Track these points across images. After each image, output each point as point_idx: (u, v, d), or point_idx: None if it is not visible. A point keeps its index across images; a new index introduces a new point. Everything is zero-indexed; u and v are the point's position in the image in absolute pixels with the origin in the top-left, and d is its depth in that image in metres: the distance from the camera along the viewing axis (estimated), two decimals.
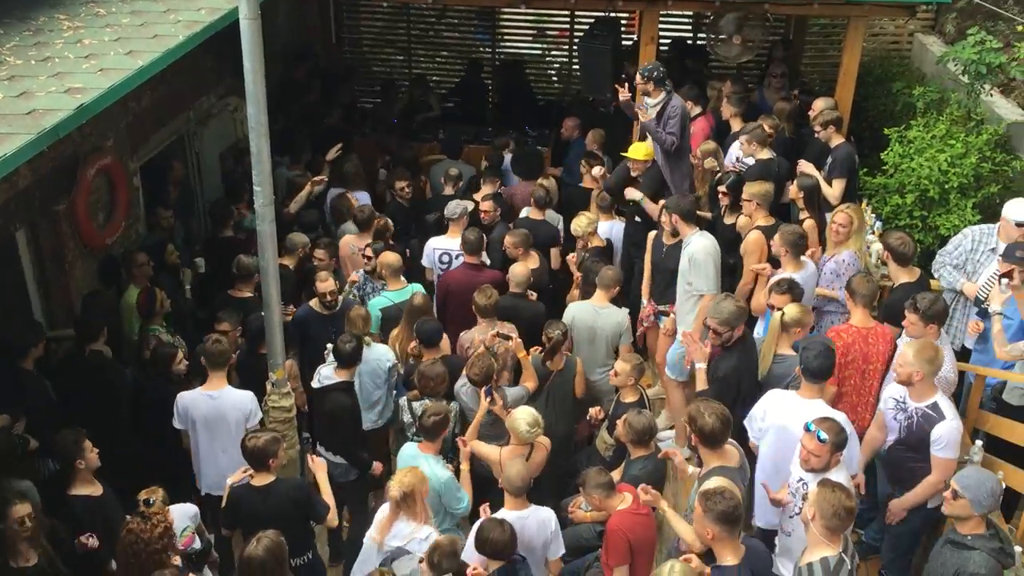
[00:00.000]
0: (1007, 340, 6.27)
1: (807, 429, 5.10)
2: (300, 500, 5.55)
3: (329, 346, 6.64)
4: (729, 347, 6.17)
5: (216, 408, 6.16)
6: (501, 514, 5.36)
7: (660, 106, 8.06)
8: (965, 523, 4.77)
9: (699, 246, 7.06)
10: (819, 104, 9.09)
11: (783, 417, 5.60)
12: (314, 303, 7.29)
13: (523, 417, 5.85)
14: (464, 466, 5.93)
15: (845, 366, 6.22)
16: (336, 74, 12.41)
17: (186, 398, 6.23)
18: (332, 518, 5.72)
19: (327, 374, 6.42)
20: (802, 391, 5.66)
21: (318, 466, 5.84)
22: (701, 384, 6.23)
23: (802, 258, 7.09)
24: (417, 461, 5.67)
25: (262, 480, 5.52)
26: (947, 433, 5.45)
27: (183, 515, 5.36)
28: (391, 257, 7.60)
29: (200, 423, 6.21)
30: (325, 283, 7.18)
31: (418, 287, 7.62)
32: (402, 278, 7.59)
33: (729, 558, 4.70)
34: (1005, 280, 6.23)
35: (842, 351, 6.15)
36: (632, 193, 8.33)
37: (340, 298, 7.35)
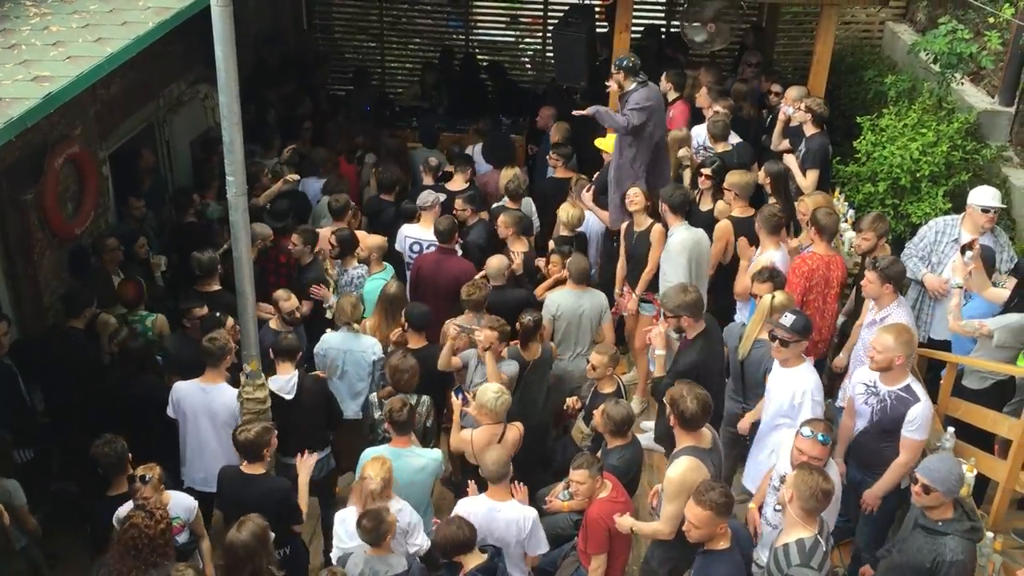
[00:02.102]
0: (962, 315, 6.47)
1: (804, 435, 5.08)
2: (279, 501, 5.51)
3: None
4: (692, 340, 6.26)
5: (206, 402, 6.11)
6: (479, 499, 5.41)
7: (625, 97, 8.03)
8: (936, 509, 4.81)
9: (676, 239, 7.18)
10: (792, 93, 9.15)
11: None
12: (274, 323, 6.92)
13: (489, 387, 5.97)
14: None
15: (810, 289, 6.91)
16: (307, 62, 12.30)
17: (181, 388, 6.18)
18: (299, 530, 5.72)
19: (281, 381, 6.23)
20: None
21: (304, 466, 5.78)
22: (659, 371, 6.42)
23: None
24: (404, 458, 5.64)
25: (252, 470, 5.50)
26: (921, 414, 5.53)
27: (178, 505, 5.36)
28: (379, 240, 7.62)
29: (190, 415, 6.16)
30: (288, 301, 6.85)
31: (391, 268, 7.69)
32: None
33: (722, 543, 4.74)
34: (969, 252, 6.38)
35: (807, 275, 6.88)
36: (585, 199, 8.35)
37: (330, 292, 7.31)
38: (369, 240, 7.71)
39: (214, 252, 7.25)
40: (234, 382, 6.18)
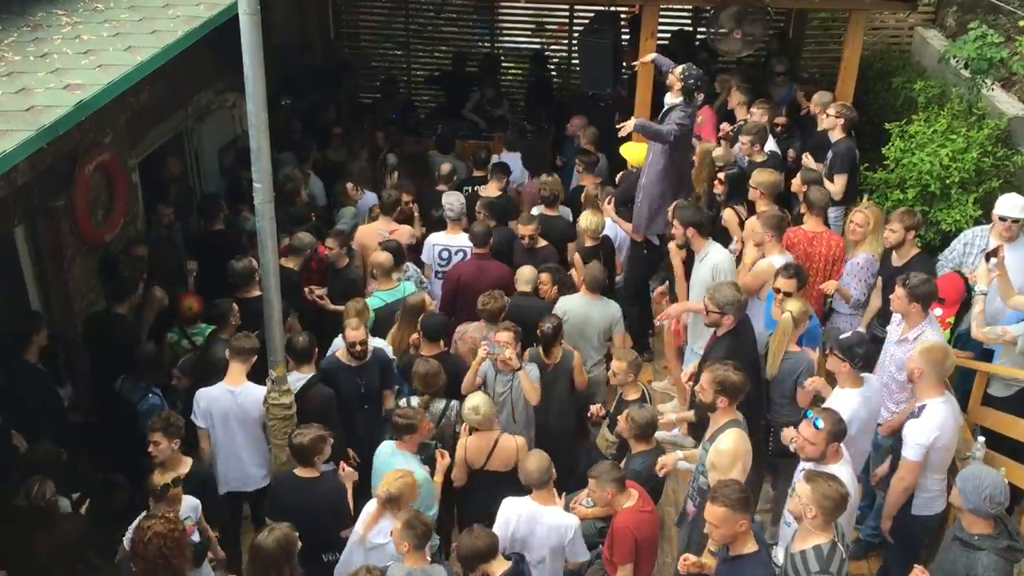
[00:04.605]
0: (985, 322, 6.38)
1: (806, 416, 5.13)
2: (335, 504, 5.56)
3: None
4: (720, 336, 6.20)
5: (239, 404, 6.14)
6: (524, 501, 5.42)
7: (670, 109, 7.90)
8: (972, 521, 4.71)
9: (713, 262, 7.00)
10: (817, 98, 9.10)
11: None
12: (340, 354, 6.63)
13: (468, 399, 5.98)
14: (438, 478, 5.85)
15: None
16: (331, 71, 12.39)
17: (208, 395, 6.18)
18: (345, 534, 5.56)
19: (294, 378, 6.33)
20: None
21: (348, 476, 5.78)
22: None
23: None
24: (395, 459, 5.67)
25: (307, 473, 5.54)
26: (911, 433, 5.42)
27: (186, 506, 5.40)
28: (382, 256, 7.48)
29: (220, 419, 6.17)
30: (356, 331, 6.49)
31: (410, 286, 7.55)
32: (393, 276, 7.49)
33: (749, 544, 4.68)
34: (993, 259, 6.30)
35: (786, 248, 7.02)
36: (607, 211, 8.30)
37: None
38: (373, 256, 7.57)
39: (248, 260, 7.22)
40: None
